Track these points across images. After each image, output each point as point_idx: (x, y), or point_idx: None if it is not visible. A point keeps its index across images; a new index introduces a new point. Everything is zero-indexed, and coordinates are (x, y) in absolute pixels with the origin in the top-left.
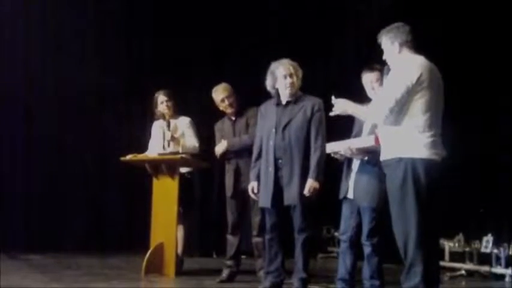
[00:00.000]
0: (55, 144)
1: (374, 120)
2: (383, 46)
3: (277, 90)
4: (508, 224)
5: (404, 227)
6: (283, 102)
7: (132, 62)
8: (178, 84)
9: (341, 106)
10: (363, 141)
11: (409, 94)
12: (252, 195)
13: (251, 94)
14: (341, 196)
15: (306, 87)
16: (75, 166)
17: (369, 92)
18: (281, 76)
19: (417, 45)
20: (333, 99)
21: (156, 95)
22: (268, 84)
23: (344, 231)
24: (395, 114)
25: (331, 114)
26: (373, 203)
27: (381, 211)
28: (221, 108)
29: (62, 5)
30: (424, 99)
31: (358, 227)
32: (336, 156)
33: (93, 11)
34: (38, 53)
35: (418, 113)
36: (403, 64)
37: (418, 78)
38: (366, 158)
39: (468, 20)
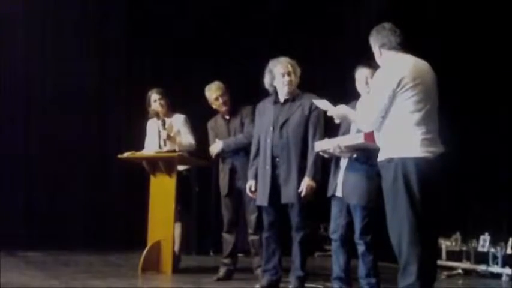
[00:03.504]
0: (54, 142)
1: (364, 129)
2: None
3: (275, 88)
4: (505, 223)
5: (398, 226)
6: (281, 100)
7: (132, 61)
8: (177, 82)
9: (340, 114)
10: (352, 138)
11: (393, 99)
12: (250, 194)
13: (248, 92)
14: (329, 194)
15: (304, 85)
16: (74, 164)
17: (361, 88)
18: (279, 74)
19: (402, 42)
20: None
21: (149, 93)
22: (266, 82)
23: (334, 230)
24: (383, 119)
25: (328, 114)
26: (363, 201)
27: (372, 209)
28: (214, 106)
29: (62, 5)
30: (412, 99)
31: (349, 225)
32: (324, 155)
33: (93, 11)
34: (38, 53)
35: (407, 113)
36: (383, 70)
37: (399, 83)
38: (355, 155)
39: (468, 20)
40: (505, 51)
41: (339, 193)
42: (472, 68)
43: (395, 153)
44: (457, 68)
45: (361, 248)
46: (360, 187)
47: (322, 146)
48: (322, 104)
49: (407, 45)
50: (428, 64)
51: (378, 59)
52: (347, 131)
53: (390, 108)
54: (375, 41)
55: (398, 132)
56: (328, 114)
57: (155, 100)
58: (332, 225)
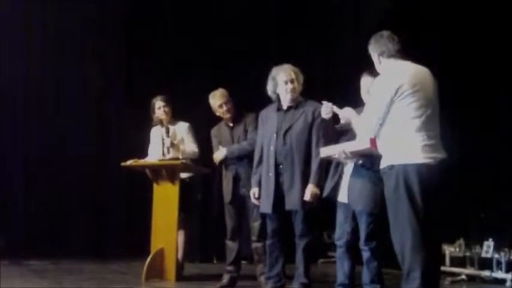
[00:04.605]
0: (55, 149)
1: (363, 136)
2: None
3: (278, 95)
4: (509, 229)
5: (401, 233)
6: (284, 107)
7: (134, 66)
8: (178, 89)
9: (346, 116)
10: (358, 144)
11: (391, 106)
12: (254, 201)
13: (251, 99)
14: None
15: (304, 90)
16: (76, 171)
17: (364, 96)
18: (282, 82)
19: (401, 49)
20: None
21: (153, 100)
22: (269, 89)
23: (339, 237)
24: (381, 126)
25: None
26: (368, 207)
27: (378, 215)
28: (218, 114)
29: (62, 5)
30: (412, 105)
31: (354, 231)
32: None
33: (94, 12)
34: (38, 53)
35: (407, 119)
36: (382, 77)
37: (397, 90)
38: (360, 161)
39: (468, 21)
40: (505, 53)
41: (344, 199)
42: (471, 70)
43: (396, 160)
44: (457, 68)
45: (366, 254)
46: (365, 193)
47: (328, 151)
48: (330, 106)
49: (406, 51)
50: (428, 70)
51: (377, 67)
52: (352, 137)
53: (388, 115)
54: (373, 50)
55: (399, 138)
56: (335, 110)
57: (159, 107)
58: (337, 232)
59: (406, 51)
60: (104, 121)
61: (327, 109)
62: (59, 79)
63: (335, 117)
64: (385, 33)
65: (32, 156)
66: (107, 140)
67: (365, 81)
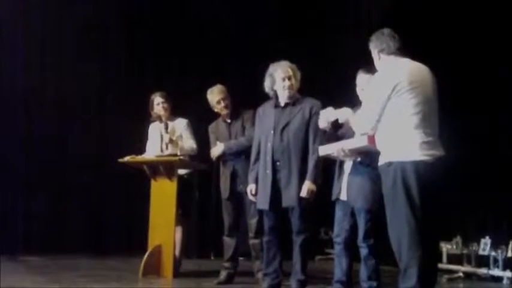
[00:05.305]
0: (54, 145)
1: (362, 132)
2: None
3: (275, 92)
4: (506, 227)
5: (398, 230)
6: (282, 104)
7: (132, 63)
8: (177, 86)
9: (343, 117)
10: (356, 141)
11: (387, 103)
12: (251, 197)
13: (249, 96)
14: (333, 197)
15: (304, 89)
16: (75, 167)
17: (360, 93)
18: (279, 78)
19: (401, 47)
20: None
21: (152, 96)
22: (267, 86)
23: (338, 234)
24: (377, 123)
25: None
26: (367, 204)
27: (376, 212)
28: (216, 110)
29: (62, 4)
30: (410, 102)
31: (352, 228)
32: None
33: (94, 10)
34: (38, 53)
35: (405, 116)
36: (380, 74)
37: (394, 88)
38: (359, 158)
39: (469, 21)
40: (505, 53)
41: (343, 196)
42: (470, 67)
43: (394, 157)
44: (456, 66)
45: (364, 252)
46: (364, 190)
47: (326, 150)
48: (328, 112)
49: (407, 48)
50: (427, 68)
51: (376, 63)
52: (351, 135)
53: (384, 111)
54: (374, 47)
55: (397, 136)
56: (333, 113)
57: (158, 103)
58: (336, 229)
59: (406, 50)
60: (102, 117)
61: (323, 119)
62: (59, 79)
63: (335, 124)
64: (386, 30)
65: (31, 153)
66: (106, 138)
67: (361, 78)
